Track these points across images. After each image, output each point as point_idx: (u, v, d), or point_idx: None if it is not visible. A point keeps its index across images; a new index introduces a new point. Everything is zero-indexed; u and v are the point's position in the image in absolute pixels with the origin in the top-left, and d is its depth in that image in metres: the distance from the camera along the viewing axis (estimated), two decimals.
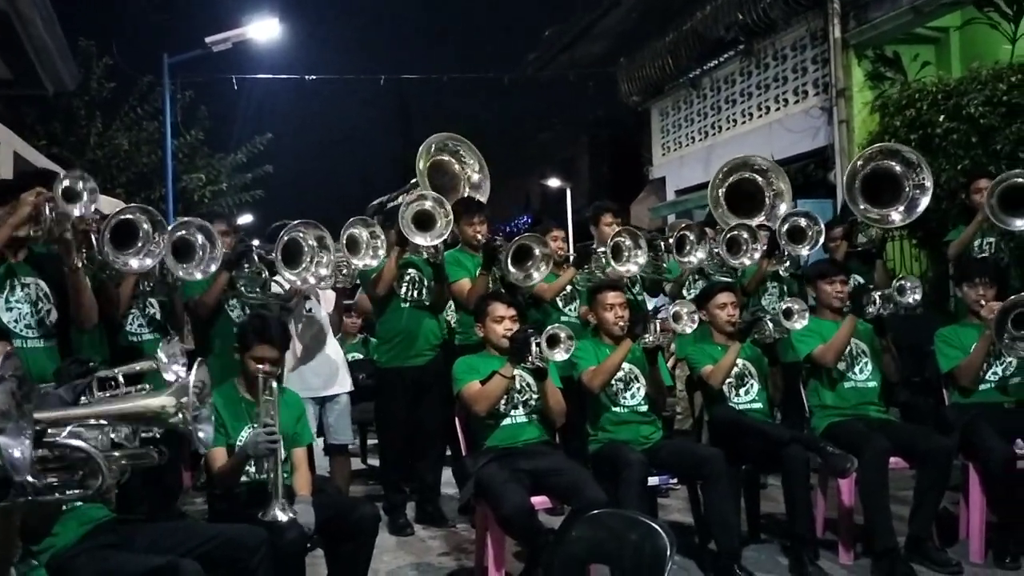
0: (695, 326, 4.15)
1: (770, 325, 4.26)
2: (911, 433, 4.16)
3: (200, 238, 3.80)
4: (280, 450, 3.18)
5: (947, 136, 7.12)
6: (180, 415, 1.98)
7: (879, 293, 4.24)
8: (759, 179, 5.32)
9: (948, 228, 5.79)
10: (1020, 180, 4.60)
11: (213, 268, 3.87)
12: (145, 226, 3.45)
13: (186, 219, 3.88)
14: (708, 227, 5.19)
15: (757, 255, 4.90)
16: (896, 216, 4.85)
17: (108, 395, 2.58)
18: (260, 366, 3.38)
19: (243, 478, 3.36)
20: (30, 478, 1.70)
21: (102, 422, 2.00)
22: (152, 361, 3.36)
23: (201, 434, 2.07)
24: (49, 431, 1.86)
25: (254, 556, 2.77)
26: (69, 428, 1.90)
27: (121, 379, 3.03)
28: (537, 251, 4.57)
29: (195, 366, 2.10)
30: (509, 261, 4.47)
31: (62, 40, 8.58)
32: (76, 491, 1.94)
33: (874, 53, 8.86)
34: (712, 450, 3.96)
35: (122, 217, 3.38)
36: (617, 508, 3.34)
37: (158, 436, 2.36)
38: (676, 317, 4.07)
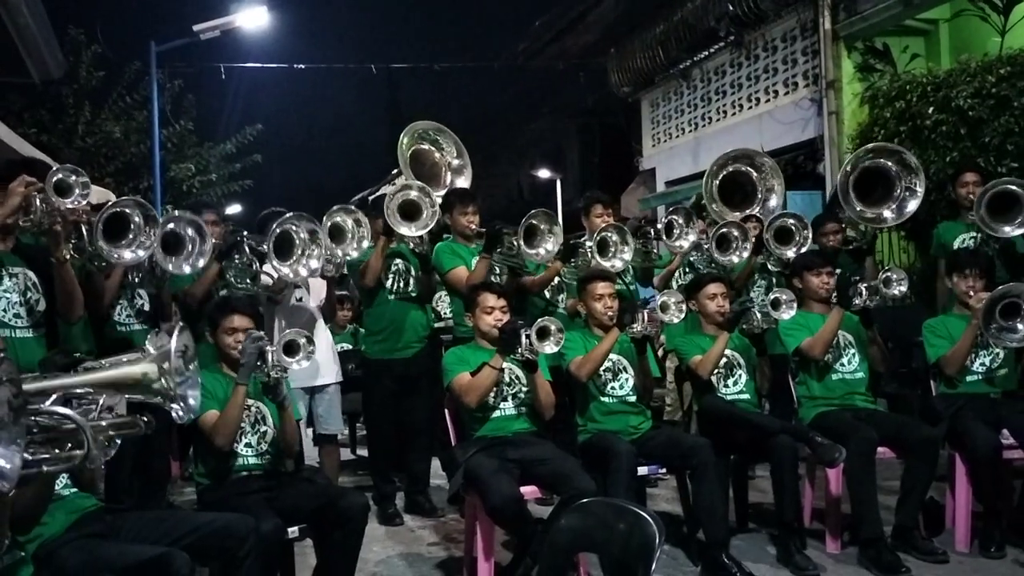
0: (683, 316, 4.15)
1: (758, 315, 4.27)
2: (898, 423, 4.19)
3: (190, 232, 3.77)
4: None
5: (936, 128, 7.14)
6: (164, 381, 1.95)
7: (865, 285, 4.25)
8: (754, 173, 5.32)
9: (936, 220, 5.82)
10: (1009, 187, 4.63)
11: (201, 263, 3.84)
12: (137, 219, 3.44)
13: (176, 213, 3.85)
14: (696, 213, 5.16)
15: (746, 254, 4.89)
16: (888, 214, 4.87)
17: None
18: (233, 339, 3.43)
19: (238, 460, 3.38)
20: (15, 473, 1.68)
21: (89, 390, 1.97)
22: (139, 352, 3.36)
23: (191, 400, 2.05)
24: (33, 401, 1.82)
25: (243, 545, 2.77)
26: (54, 396, 1.87)
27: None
28: (543, 227, 4.58)
29: (176, 331, 2.07)
30: (522, 240, 4.48)
31: (48, 28, 8.49)
32: (62, 464, 1.91)
33: (864, 45, 8.87)
34: (701, 440, 3.98)
35: (115, 210, 3.37)
36: (606, 497, 3.35)
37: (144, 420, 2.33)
38: (664, 307, 4.07)
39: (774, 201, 5.29)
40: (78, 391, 1.97)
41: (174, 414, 2.12)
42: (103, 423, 2.03)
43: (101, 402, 2.05)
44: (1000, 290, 4.04)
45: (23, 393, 1.69)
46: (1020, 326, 4.01)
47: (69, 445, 1.89)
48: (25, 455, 1.77)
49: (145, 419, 2.18)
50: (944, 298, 4.96)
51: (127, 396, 2.17)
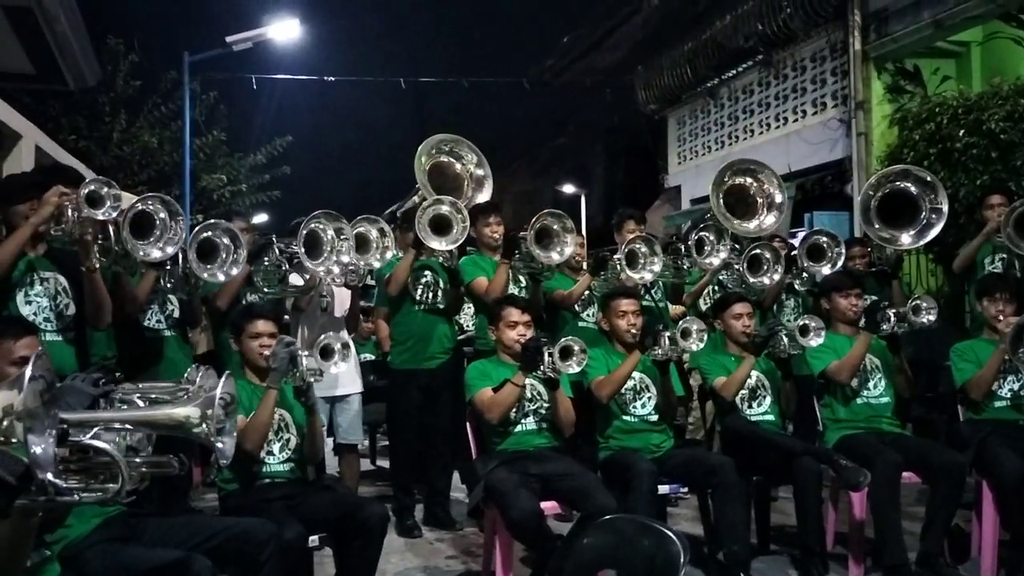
0: (703, 344, 4.11)
1: (785, 340, 4.24)
2: (924, 448, 4.14)
3: (225, 240, 3.81)
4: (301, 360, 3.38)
5: (967, 151, 7.07)
6: (204, 426, 2.00)
7: (893, 311, 4.21)
8: (754, 184, 5.26)
9: (964, 244, 5.76)
10: None
11: (235, 271, 3.88)
12: (162, 215, 3.47)
13: (213, 221, 3.90)
14: (697, 228, 5.13)
15: (777, 276, 4.85)
16: (906, 239, 4.82)
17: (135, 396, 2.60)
18: (258, 344, 3.47)
19: (262, 467, 3.41)
20: (52, 477, 1.73)
21: (127, 426, 2.02)
22: (174, 383, 3.40)
23: (220, 445, 2.09)
24: (73, 432, 1.88)
25: (263, 550, 2.79)
26: (94, 430, 1.92)
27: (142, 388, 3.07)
28: (556, 227, 4.57)
29: (223, 379, 2.11)
30: (533, 242, 4.47)
31: (85, 37, 8.66)
32: (95, 494, 1.96)
33: (894, 66, 8.82)
34: (723, 458, 3.94)
35: (139, 208, 3.41)
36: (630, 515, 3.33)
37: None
38: (685, 334, 4.03)
39: (776, 212, 5.19)
40: (117, 426, 2.01)
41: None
42: (138, 460, 2.09)
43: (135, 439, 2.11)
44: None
45: (53, 385, 1.74)
46: None
47: (103, 477, 1.94)
48: (59, 481, 1.82)
49: (179, 459, 2.22)
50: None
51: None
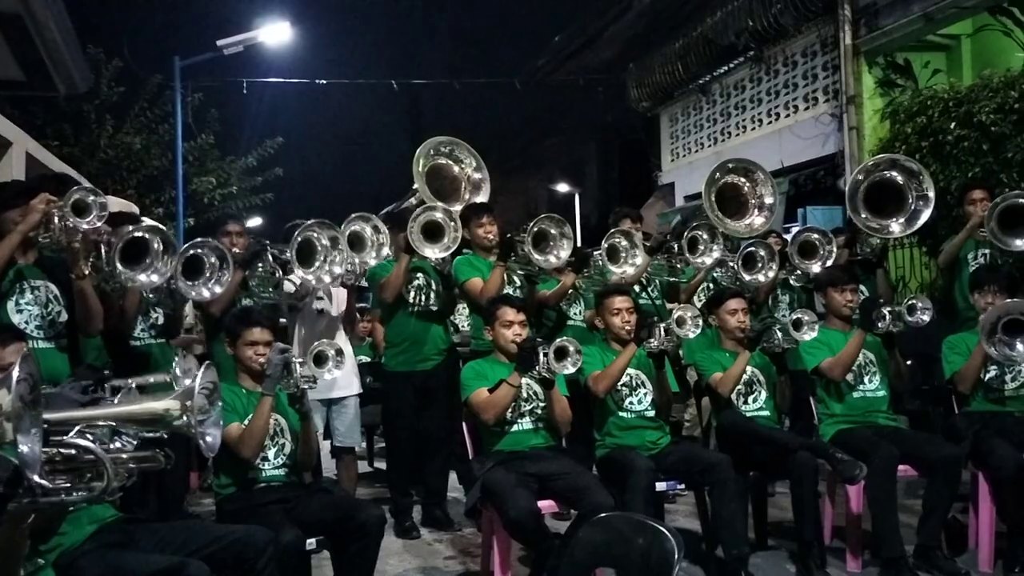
0: (699, 330, 4.12)
1: (779, 335, 4.24)
2: (920, 441, 4.15)
3: (212, 259, 3.78)
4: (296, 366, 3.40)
5: (958, 144, 7.07)
6: (185, 418, 1.99)
7: (889, 309, 4.21)
8: (747, 184, 5.27)
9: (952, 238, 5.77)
10: (1020, 201, 4.60)
11: (219, 290, 3.85)
12: (155, 246, 3.45)
13: (202, 240, 3.87)
14: (686, 224, 5.13)
15: (772, 273, 4.86)
16: (896, 227, 4.83)
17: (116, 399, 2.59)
18: (254, 351, 3.46)
19: (257, 473, 3.39)
20: (38, 478, 1.72)
21: (110, 423, 2.01)
22: (165, 375, 3.39)
23: (209, 438, 2.08)
24: (56, 432, 1.87)
25: (261, 557, 2.78)
26: (76, 428, 1.91)
27: (134, 388, 3.06)
28: (554, 231, 4.57)
29: (202, 368, 2.10)
30: (531, 246, 4.47)
31: (75, 42, 8.62)
32: (82, 493, 1.95)
33: (885, 60, 8.84)
34: (720, 456, 3.95)
35: (135, 235, 3.40)
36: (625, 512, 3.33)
37: (164, 437, 2.35)
38: (680, 321, 4.05)
39: (767, 213, 5.20)
40: (100, 423, 2.00)
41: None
42: (124, 456, 2.08)
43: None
44: (1001, 305, 4.00)
45: (38, 387, 1.74)
46: (1020, 346, 3.96)
47: (89, 476, 1.94)
48: (45, 482, 1.81)
49: (164, 453, 2.21)
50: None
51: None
